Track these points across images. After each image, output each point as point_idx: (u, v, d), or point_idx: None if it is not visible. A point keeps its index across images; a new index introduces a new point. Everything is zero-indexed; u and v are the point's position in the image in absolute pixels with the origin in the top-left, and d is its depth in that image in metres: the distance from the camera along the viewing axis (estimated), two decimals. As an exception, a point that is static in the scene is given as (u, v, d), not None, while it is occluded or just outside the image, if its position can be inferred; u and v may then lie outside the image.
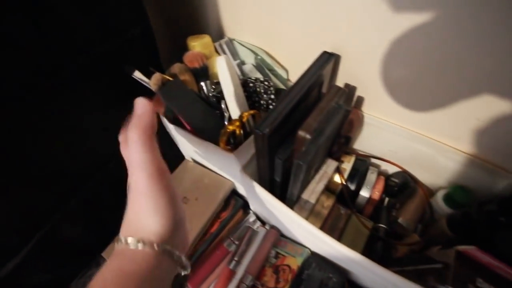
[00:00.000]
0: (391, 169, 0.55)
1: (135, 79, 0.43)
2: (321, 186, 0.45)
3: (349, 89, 0.48)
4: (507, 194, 0.41)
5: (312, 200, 0.43)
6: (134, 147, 0.22)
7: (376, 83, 0.44)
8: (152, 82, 0.42)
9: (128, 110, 0.24)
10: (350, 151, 0.55)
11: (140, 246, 0.21)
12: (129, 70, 0.43)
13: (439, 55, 0.36)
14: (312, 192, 0.44)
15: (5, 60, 0.29)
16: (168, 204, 0.23)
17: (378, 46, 0.40)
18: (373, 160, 0.55)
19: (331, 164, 0.48)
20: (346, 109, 0.41)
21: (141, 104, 0.24)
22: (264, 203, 0.44)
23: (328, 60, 0.41)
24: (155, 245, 0.21)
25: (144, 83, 0.43)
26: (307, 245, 0.48)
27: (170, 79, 0.43)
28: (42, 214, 0.42)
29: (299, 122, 0.38)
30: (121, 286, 0.19)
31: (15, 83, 0.31)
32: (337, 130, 0.43)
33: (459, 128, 0.42)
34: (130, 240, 0.22)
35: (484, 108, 0.37)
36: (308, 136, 0.36)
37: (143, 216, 0.22)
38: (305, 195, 0.43)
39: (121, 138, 0.26)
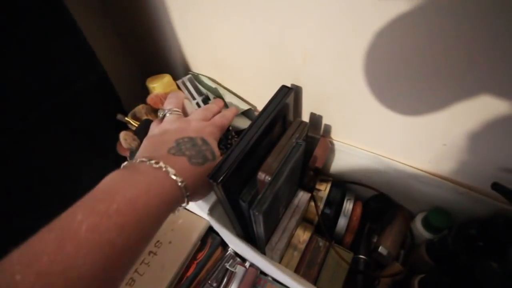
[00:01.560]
0: (370, 193, 0.53)
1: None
2: (293, 222, 0.43)
3: (315, 119, 0.47)
4: (486, 218, 0.40)
5: (284, 239, 0.41)
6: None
7: (340, 111, 0.43)
8: (123, 138, 0.42)
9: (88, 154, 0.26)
10: (326, 178, 0.53)
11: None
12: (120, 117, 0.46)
13: (400, 74, 0.35)
14: (284, 230, 0.42)
15: None
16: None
17: (335, 76, 0.39)
18: (351, 185, 0.54)
19: (303, 197, 0.46)
20: (309, 140, 0.40)
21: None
22: (236, 246, 0.42)
23: (287, 94, 0.40)
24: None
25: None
26: (285, 283, 0.46)
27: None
28: None
29: (263, 159, 0.36)
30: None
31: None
32: (301, 164, 0.42)
33: (427, 153, 0.41)
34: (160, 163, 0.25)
35: (449, 133, 0.36)
36: (267, 178, 0.34)
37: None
38: (275, 236, 0.41)
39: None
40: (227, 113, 0.38)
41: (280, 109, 0.39)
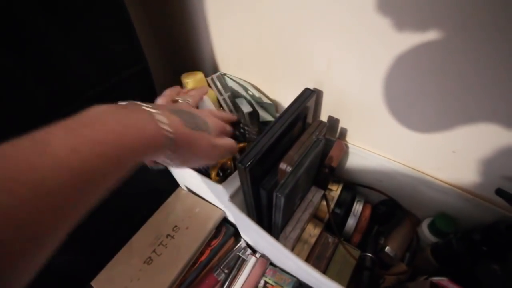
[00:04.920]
0: (379, 198, 0.56)
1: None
2: (306, 215, 0.46)
3: (332, 122, 0.50)
4: (489, 224, 0.42)
5: (297, 230, 0.44)
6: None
7: (357, 116, 0.47)
8: None
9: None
10: (338, 180, 0.56)
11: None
12: None
13: (416, 91, 0.38)
14: (297, 221, 0.45)
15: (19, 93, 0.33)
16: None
17: (356, 83, 0.43)
18: (361, 189, 0.57)
19: (316, 193, 0.49)
20: (326, 142, 0.43)
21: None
22: (251, 232, 0.45)
23: (310, 96, 0.44)
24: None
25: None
26: (295, 274, 0.48)
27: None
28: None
29: (283, 154, 0.40)
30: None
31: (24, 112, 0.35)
32: (319, 161, 0.45)
33: (438, 160, 0.44)
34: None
35: (459, 141, 0.39)
36: (289, 169, 0.38)
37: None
38: (289, 226, 0.44)
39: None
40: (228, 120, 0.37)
41: (302, 109, 0.43)
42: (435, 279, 0.32)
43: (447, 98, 0.36)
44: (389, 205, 0.53)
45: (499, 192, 0.37)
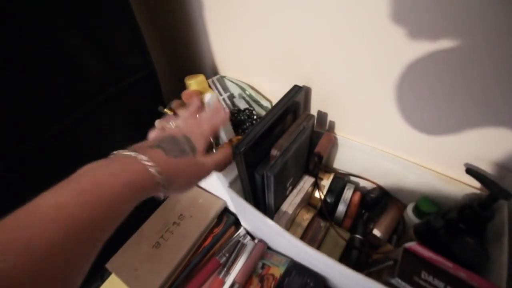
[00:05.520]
0: (368, 186, 0.60)
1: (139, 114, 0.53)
2: (298, 199, 0.50)
3: (321, 115, 0.55)
4: (465, 203, 0.46)
5: (289, 211, 0.48)
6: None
7: (343, 111, 0.52)
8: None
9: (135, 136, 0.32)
10: (329, 170, 0.61)
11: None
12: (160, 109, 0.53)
13: (394, 82, 0.43)
14: (290, 204, 0.50)
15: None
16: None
17: (340, 80, 0.48)
18: (352, 178, 0.61)
19: (308, 180, 0.54)
20: (315, 134, 0.48)
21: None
22: (249, 215, 0.50)
23: (298, 92, 0.49)
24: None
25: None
26: (289, 255, 0.52)
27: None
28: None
29: (274, 143, 0.45)
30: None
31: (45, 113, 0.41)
32: (307, 149, 0.50)
33: (417, 146, 0.48)
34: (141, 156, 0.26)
35: (432, 125, 0.44)
36: (278, 153, 0.43)
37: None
38: (282, 208, 0.49)
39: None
40: (216, 121, 0.39)
41: (291, 103, 0.49)
42: (407, 244, 0.36)
43: (421, 86, 0.40)
44: (377, 192, 0.57)
45: (469, 171, 0.41)
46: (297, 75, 0.53)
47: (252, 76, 0.63)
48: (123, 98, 0.52)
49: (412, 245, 0.36)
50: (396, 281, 0.34)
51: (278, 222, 0.48)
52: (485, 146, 0.41)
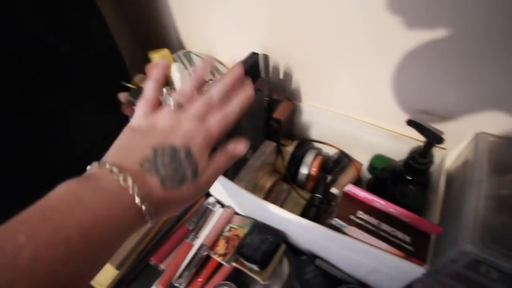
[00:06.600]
0: (331, 152, 0.63)
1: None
2: (258, 162, 0.53)
3: (281, 82, 0.58)
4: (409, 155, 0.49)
5: (248, 173, 0.51)
6: None
7: (300, 77, 0.54)
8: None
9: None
10: (293, 137, 0.63)
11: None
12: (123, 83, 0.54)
13: (342, 42, 0.45)
14: (251, 167, 0.52)
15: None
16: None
17: (296, 47, 0.50)
18: (315, 144, 0.64)
19: (269, 145, 0.56)
20: (273, 101, 0.50)
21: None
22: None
23: (254, 57, 0.51)
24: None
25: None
26: (253, 216, 0.55)
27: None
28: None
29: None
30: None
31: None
32: (263, 113, 0.52)
33: (366, 104, 0.51)
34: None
35: (379, 82, 0.46)
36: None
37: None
38: (243, 171, 0.51)
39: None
40: (231, 109, 0.29)
41: (247, 68, 0.50)
42: (345, 188, 0.39)
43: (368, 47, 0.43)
44: (337, 156, 0.60)
45: (410, 122, 0.44)
46: (255, 43, 0.55)
47: (218, 51, 0.64)
48: (85, 73, 0.53)
49: (350, 188, 0.38)
50: (335, 221, 0.37)
51: (238, 183, 0.51)
52: (423, 98, 0.44)
